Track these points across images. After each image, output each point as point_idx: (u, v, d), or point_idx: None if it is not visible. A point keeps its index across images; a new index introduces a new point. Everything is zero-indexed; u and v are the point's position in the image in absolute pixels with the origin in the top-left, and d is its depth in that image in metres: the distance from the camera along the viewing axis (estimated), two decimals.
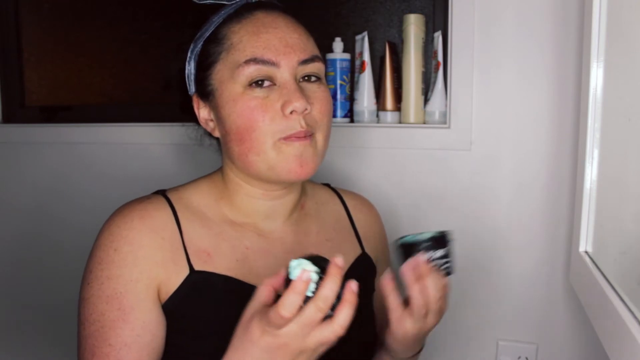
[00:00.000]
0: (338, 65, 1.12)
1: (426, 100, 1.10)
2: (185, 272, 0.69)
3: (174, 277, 0.68)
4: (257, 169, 0.70)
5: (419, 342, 0.75)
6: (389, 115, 1.12)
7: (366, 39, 1.11)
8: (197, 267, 0.69)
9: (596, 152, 0.75)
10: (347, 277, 0.77)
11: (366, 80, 1.11)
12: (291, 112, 0.67)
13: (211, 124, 0.74)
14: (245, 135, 0.68)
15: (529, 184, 1.02)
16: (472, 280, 1.07)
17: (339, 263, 0.53)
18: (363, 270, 0.82)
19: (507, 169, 1.04)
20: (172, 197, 0.74)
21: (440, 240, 0.69)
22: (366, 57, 1.11)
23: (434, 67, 1.09)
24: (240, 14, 0.71)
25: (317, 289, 0.53)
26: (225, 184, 0.76)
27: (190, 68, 0.73)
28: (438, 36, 1.08)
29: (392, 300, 0.68)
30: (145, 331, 0.66)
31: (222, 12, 0.72)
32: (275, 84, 0.68)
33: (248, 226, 0.75)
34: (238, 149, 0.69)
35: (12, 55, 1.45)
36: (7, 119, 1.46)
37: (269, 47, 0.68)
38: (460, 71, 1.03)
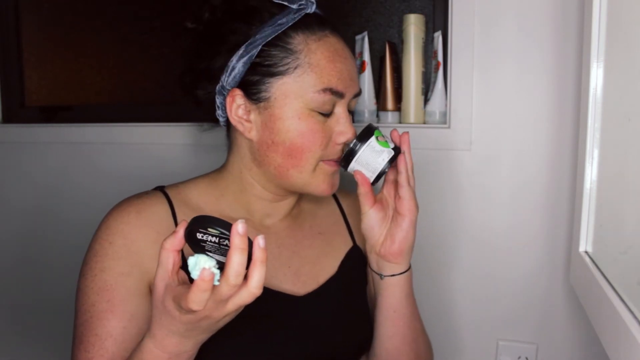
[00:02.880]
0: None
1: (426, 100, 1.10)
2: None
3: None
4: (292, 182, 0.73)
5: (403, 253, 0.76)
6: (389, 115, 1.12)
7: (366, 39, 1.11)
8: None
9: (596, 152, 0.75)
10: (339, 270, 0.80)
11: (366, 80, 1.11)
12: (340, 143, 0.73)
13: (247, 125, 0.72)
14: (297, 153, 0.70)
15: (529, 184, 1.03)
16: (472, 280, 1.07)
17: (239, 230, 0.49)
18: (354, 262, 0.84)
19: (507, 169, 1.04)
20: (171, 192, 0.75)
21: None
22: (366, 57, 1.11)
23: (434, 67, 1.09)
24: (311, 26, 0.70)
25: (222, 267, 0.50)
26: (231, 182, 0.77)
27: (238, 64, 0.69)
28: (438, 36, 1.08)
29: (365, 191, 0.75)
30: (133, 324, 0.67)
31: (288, 16, 0.69)
32: (329, 115, 0.72)
33: (249, 222, 0.76)
34: (281, 161, 0.71)
35: (12, 55, 1.46)
36: (7, 119, 1.46)
37: (341, 79, 0.71)
38: (460, 71, 1.03)
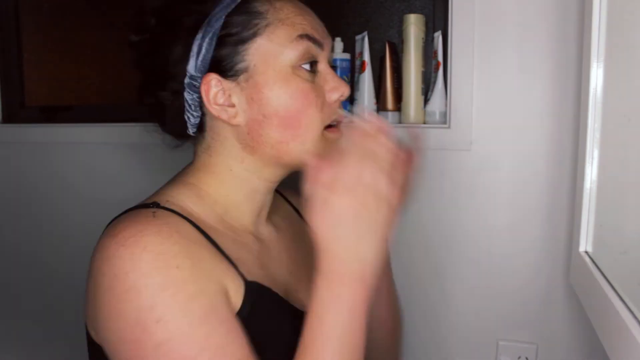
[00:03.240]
0: (338, 65, 1.12)
1: (426, 100, 1.10)
2: (241, 283, 0.62)
3: (235, 291, 0.61)
4: (295, 157, 0.65)
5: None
6: (389, 115, 1.12)
7: (366, 39, 1.11)
8: (248, 277, 0.63)
9: (596, 152, 0.75)
10: None
11: (366, 80, 1.11)
12: (336, 100, 0.66)
13: (231, 110, 0.64)
14: (293, 121, 0.63)
15: (529, 183, 1.02)
16: (471, 280, 1.07)
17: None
18: None
19: (507, 169, 1.04)
20: (174, 208, 0.64)
21: None
22: (366, 57, 1.11)
23: (434, 67, 1.09)
24: None
25: None
26: (219, 185, 0.68)
27: (204, 44, 0.63)
28: (438, 36, 1.08)
29: None
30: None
31: None
32: (314, 71, 0.66)
33: (245, 230, 0.70)
34: (279, 136, 0.64)
35: (12, 55, 1.45)
36: (7, 119, 1.46)
37: (315, 28, 0.66)
38: (460, 71, 1.03)
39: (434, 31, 1.10)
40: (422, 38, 1.08)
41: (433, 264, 1.09)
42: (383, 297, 0.80)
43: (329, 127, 0.67)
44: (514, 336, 1.06)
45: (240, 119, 0.65)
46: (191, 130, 0.68)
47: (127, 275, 0.54)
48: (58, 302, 1.38)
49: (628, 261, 0.62)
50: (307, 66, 0.65)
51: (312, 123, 0.65)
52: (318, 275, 0.57)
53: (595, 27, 0.72)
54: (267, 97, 0.63)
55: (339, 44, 1.12)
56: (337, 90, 0.66)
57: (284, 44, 0.63)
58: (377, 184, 0.56)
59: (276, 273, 0.71)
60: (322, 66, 0.67)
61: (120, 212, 0.66)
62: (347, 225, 0.56)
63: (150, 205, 0.63)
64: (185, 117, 0.67)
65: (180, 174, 0.71)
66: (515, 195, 1.04)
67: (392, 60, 1.12)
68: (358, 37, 1.14)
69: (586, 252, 0.77)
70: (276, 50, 0.63)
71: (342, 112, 0.69)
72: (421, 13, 1.09)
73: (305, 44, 0.64)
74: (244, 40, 0.63)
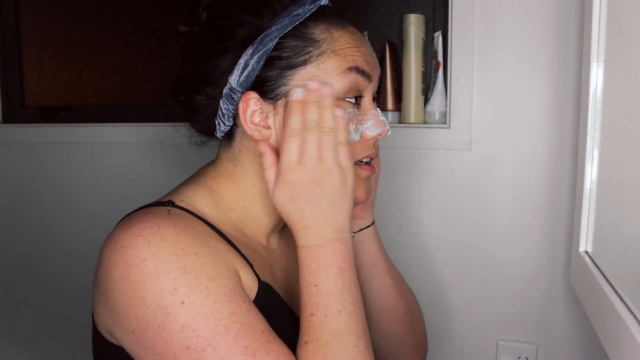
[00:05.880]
0: None
1: (426, 100, 1.10)
2: (255, 280, 0.62)
3: (249, 285, 0.61)
4: None
5: (368, 207, 0.76)
6: (389, 115, 1.12)
7: (366, 39, 1.11)
8: (263, 278, 0.63)
9: (596, 152, 0.75)
10: None
11: None
12: (372, 137, 0.66)
13: (265, 132, 0.63)
14: None
15: (529, 183, 1.03)
16: (472, 281, 1.07)
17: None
18: None
19: (507, 169, 1.04)
20: (189, 208, 0.63)
21: None
22: None
23: (434, 67, 1.09)
24: (331, 17, 0.64)
25: None
26: (240, 196, 0.67)
27: (252, 61, 0.61)
28: (438, 36, 1.08)
29: None
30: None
31: (304, 7, 0.62)
32: (357, 106, 0.65)
33: (256, 239, 0.69)
34: None
35: (12, 55, 1.46)
36: (7, 119, 1.46)
37: (367, 61, 0.64)
38: (460, 71, 1.03)
39: (434, 31, 1.10)
40: (422, 38, 1.08)
41: (433, 264, 1.09)
42: (383, 282, 0.80)
43: (360, 162, 0.67)
44: (514, 336, 1.06)
45: (273, 141, 0.63)
46: (219, 134, 0.67)
47: (144, 262, 0.54)
48: (58, 302, 1.38)
49: (628, 261, 0.62)
50: (351, 99, 0.64)
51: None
52: (299, 249, 0.60)
53: (595, 27, 0.72)
54: None
55: None
56: (377, 128, 0.66)
57: (332, 73, 0.62)
58: (322, 153, 0.59)
59: (283, 281, 0.70)
60: (367, 100, 0.66)
61: (122, 211, 0.66)
62: (305, 197, 0.59)
63: (165, 203, 0.63)
64: (216, 122, 0.66)
65: (199, 175, 0.69)
66: (515, 195, 1.04)
67: (392, 60, 1.12)
68: None
69: (586, 252, 0.77)
70: (322, 79, 0.62)
71: (377, 147, 0.69)
72: (421, 13, 1.09)
73: (354, 77, 0.63)
74: (293, 66, 0.62)
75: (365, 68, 0.64)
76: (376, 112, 0.67)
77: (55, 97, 1.47)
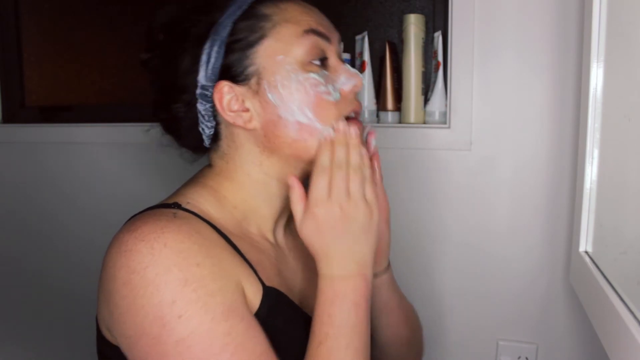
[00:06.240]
0: None
1: (426, 100, 1.10)
2: (259, 287, 0.62)
3: (253, 294, 0.61)
4: (313, 153, 0.64)
5: (383, 252, 0.75)
6: (389, 115, 1.12)
7: (366, 39, 1.11)
8: (266, 283, 0.63)
9: (596, 152, 0.75)
10: None
11: (366, 80, 1.11)
12: (350, 91, 0.66)
13: (245, 115, 0.64)
14: (309, 118, 0.63)
15: (529, 183, 1.02)
16: (472, 281, 1.07)
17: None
18: None
19: (507, 169, 1.04)
20: (195, 210, 0.63)
21: None
22: (366, 57, 1.11)
23: (434, 67, 1.09)
24: None
25: None
26: (238, 190, 0.67)
27: (212, 52, 0.63)
28: (438, 36, 1.08)
29: None
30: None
31: None
32: (326, 68, 0.66)
33: (262, 237, 0.70)
34: (296, 133, 0.63)
35: (12, 55, 1.46)
36: (7, 119, 1.46)
37: (321, 24, 0.66)
38: (460, 71, 1.03)
39: (434, 31, 1.10)
40: (422, 38, 1.08)
41: (433, 264, 1.09)
42: (395, 318, 0.80)
43: (347, 119, 0.66)
44: (514, 336, 1.06)
45: (255, 123, 0.65)
46: (207, 142, 0.68)
47: (145, 270, 0.54)
48: (59, 302, 1.38)
49: (628, 261, 0.62)
50: (317, 62, 0.65)
51: (328, 117, 0.64)
52: (320, 279, 0.62)
53: (595, 27, 0.72)
54: (281, 96, 0.63)
55: None
56: (350, 81, 0.66)
57: (291, 41, 0.63)
58: (350, 189, 0.62)
59: (292, 280, 0.70)
60: (333, 60, 0.67)
61: (122, 211, 0.66)
62: (333, 231, 0.61)
63: (171, 205, 0.63)
64: (200, 129, 0.67)
65: (199, 176, 0.70)
66: (515, 195, 1.04)
67: (392, 60, 1.12)
68: (358, 37, 1.14)
69: (586, 252, 0.77)
70: (284, 49, 0.63)
71: (359, 101, 0.69)
72: (421, 13, 1.09)
73: (312, 39, 0.64)
74: (252, 44, 0.63)
75: (321, 29, 0.66)
76: (346, 66, 0.68)
77: (55, 97, 1.47)
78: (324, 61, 0.66)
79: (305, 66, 0.64)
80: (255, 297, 0.61)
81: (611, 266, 0.67)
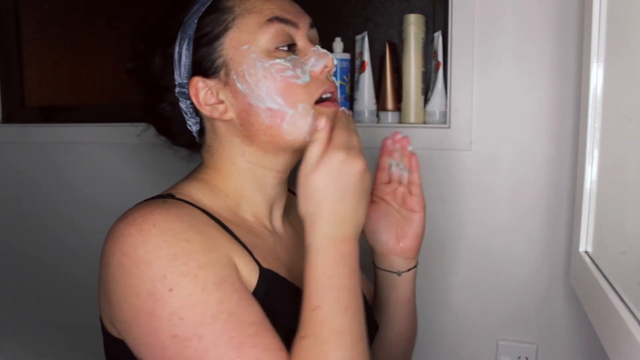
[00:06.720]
0: (338, 65, 1.12)
1: (426, 100, 1.10)
2: (255, 267, 0.63)
3: (248, 273, 0.62)
4: (289, 139, 0.66)
5: (416, 247, 0.79)
6: (389, 115, 1.12)
7: (366, 39, 1.11)
8: (263, 265, 0.64)
9: (596, 152, 0.75)
10: None
11: (366, 80, 1.11)
12: (321, 72, 0.66)
13: (220, 107, 0.66)
14: (279, 103, 0.64)
15: (529, 184, 1.02)
16: (472, 280, 1.07)
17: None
18: None
19: (507, 169, 1.04)
20: (187, 199, 0.65)
21: None
22: (366, 57, 1.11)
23: (434, 67, 1.09)
24: None
25: None
26: (227, 180, 0.69)
27: (182, 51, 0.66)
28: (438, 36, 1.08)
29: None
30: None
31: None
32: (295, 53, 0.66)
33: (259, 224, 0.71)
34: (269, 120, 0.64)
35: (12, 55, 1.46)
36: (7, 119, 1.46)
37: (285, 10, 0.67)
38: (460, 71, 1.03)
39: (434, 31, 1.10)
40: (422, 38, 1.08)
41: (433, 264, 1.09)
42: (409, 316, 0.83)
43: (322, 101, 0.67)
44: (514, 336, 1.06)
45: (230, 113, 0.66)
46: (197, 139, 0.72)
47: (136, 250, 0.55)
48: (59, 301, 1.38)
49: (628, 261, 0.62)
50: (284, 48, 0.66)
51: (298, 101, 0.65)
52: (318, 237, 0.60)
53: (595, 27, 0.72)
54: (247, 87, 0.64)
55: (338, 44, 1.12)
56: (319, 62, 0.66)
57: (254, 30, 0.65)
58: (348, 159, 0.61)
59: (292, 266, 0.71)
60: (302, 44, 0.67)
61: (122, 212, 0.66)
62: (347, 187, 0.60)
63: (164, 196, 0.65)
64: (188, 126, 0.71)
65: (192, 172, 0.73)
66: (515, 195, 1.04)
67: (392, 60, 1.12)
68: (358, 37, 1.14)
69: (586, 252, 0.77)
70: (248, 38, 0.65)
71: (333, 81, 0.69)
72: (421, 13, 1.09)
73: (276, 26, 0.65)
74: (217, 37, 0.65)
75: (286, 16, 0.66)
76: (315, 48, 0.68)
77: (55, 97, 1.47)
78: (292, 47, 0.67)
79: (272, 53, 0.65)
80: (250, 276, 0.61)
81: (611, 266, 0.67)
